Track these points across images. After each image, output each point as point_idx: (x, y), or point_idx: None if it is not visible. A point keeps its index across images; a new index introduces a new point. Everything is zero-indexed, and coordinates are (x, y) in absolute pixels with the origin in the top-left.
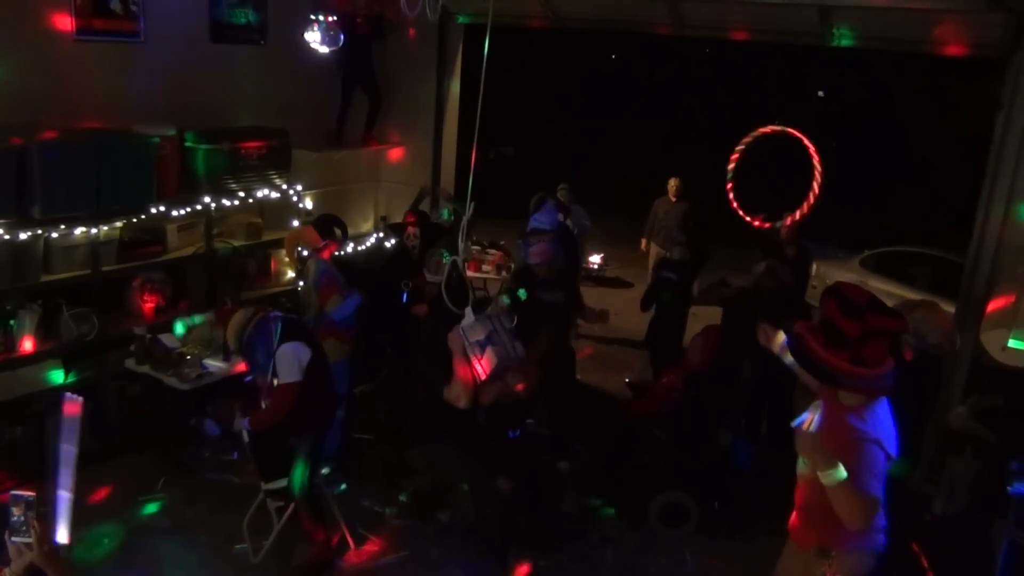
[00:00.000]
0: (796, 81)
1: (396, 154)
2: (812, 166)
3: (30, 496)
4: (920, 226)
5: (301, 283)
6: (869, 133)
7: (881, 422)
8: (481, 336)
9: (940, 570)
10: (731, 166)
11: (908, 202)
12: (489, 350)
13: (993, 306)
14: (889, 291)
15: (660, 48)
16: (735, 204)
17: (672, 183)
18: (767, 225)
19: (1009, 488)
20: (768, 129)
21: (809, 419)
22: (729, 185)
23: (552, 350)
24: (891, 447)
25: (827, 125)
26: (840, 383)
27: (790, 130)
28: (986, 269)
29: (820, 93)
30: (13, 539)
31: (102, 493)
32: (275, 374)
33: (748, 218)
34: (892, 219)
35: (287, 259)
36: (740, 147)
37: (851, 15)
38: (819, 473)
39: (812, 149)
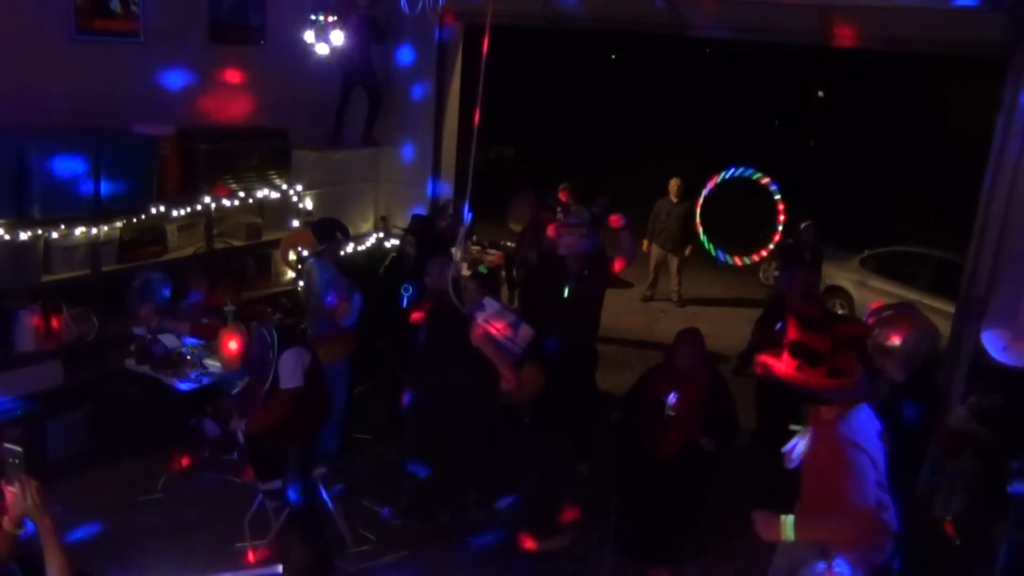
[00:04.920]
0: (796, 81)
1: (396, 154)
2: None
3: (18, 450)
4: (920, 226)
5: (301, 283)
6: (869, 133)
7: (863, 428)
8: (511, 317)
9: (941, 570)
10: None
11: (908, 202)
12: (523, 327)
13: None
14: (889, 291)
15: (660, 48)
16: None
17: (673, 184)
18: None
19: (1009, 488)
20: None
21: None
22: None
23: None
24: (876, 454)
25: (827, 125)
26: (822, 400)
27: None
28: (986, 269)
29: (820, 93)
30: (8, 489)
31: (102, 493)
32: (275, 379)
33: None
34: (892, 219)
35: (282, 262)
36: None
37: (851, 15)
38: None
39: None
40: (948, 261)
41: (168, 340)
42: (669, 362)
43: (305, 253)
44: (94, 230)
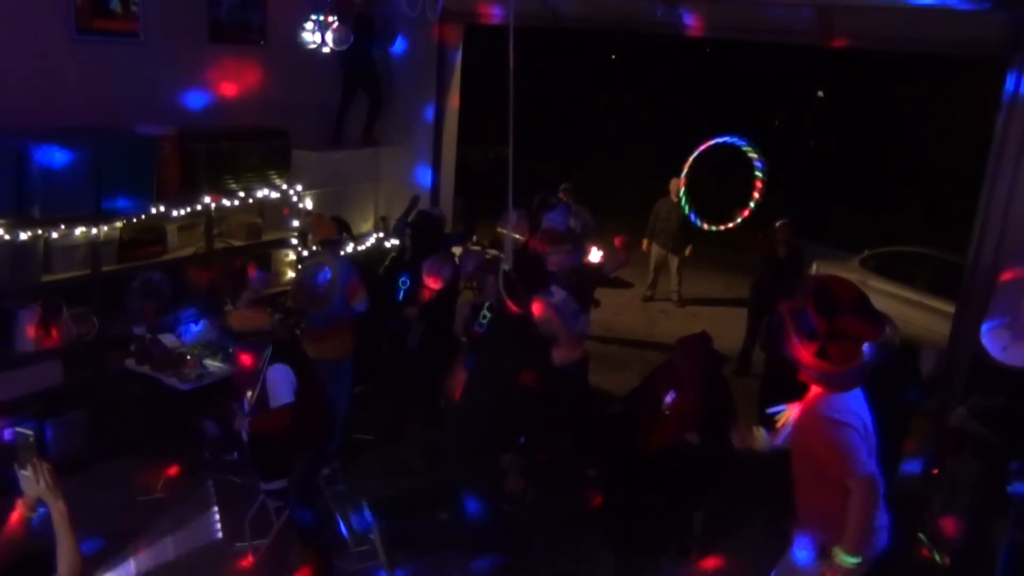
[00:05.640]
0: (796, 81)
1: (396, 154)
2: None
3: (29, 434)
4: (920, 226)
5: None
6: (869, 133)
7: (849, 408)
8: (573, 306)
9: (941, 570)
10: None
11: (908, 202)
12: (583, 318)
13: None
14: (889, 291)
15: (660, 48)
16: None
17: (674, 184)
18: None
19: (1009, 488)
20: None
21: (787, 413)
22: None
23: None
24: (866, 427)
25: (827, 125)
26: (803, 372)
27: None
28: (986, 269)
29: (820, 93)
30: (22, 472)
31: (102, 493)
32: (263, 393)
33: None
34: (892, 219)
35: (313, 237)
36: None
37: (851, 15)
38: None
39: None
40: (948, 261)
41: (168, 340)
42: (672, 362)
43: (305, 254)
44: (94, 230)
